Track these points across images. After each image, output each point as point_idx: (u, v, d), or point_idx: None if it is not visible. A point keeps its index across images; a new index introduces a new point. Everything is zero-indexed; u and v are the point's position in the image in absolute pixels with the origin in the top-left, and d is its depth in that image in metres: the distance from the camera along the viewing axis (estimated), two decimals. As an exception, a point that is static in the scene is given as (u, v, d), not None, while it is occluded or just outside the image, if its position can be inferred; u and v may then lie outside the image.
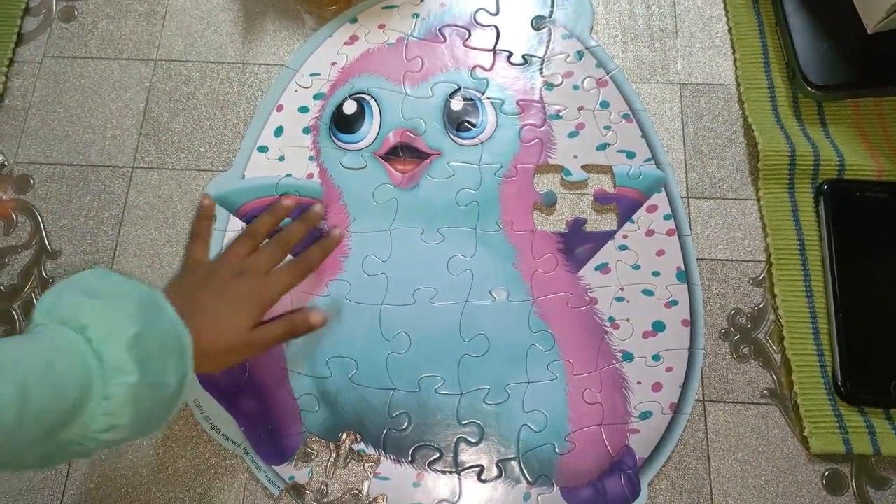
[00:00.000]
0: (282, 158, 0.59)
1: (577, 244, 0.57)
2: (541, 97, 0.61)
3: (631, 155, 0.59)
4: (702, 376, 0.53)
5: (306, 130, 0.60)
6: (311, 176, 0.59)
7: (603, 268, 0.56)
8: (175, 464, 0.52)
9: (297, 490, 0.51)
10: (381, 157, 0.59)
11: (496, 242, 0.57)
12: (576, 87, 0.61)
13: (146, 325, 0.39)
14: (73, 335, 0.37)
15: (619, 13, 0.64)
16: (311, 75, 0.62)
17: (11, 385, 0.33)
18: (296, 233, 0.53)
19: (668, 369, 0.53)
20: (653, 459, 0.51)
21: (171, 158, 0.61)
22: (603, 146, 0.59)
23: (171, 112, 0.62)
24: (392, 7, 0.64)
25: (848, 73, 0.58)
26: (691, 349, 0.54)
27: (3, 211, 0.59)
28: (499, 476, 0.51)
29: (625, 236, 0.57)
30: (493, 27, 0.63)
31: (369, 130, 0.60)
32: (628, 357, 0.54)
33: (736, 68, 0.62)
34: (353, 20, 0.64)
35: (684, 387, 0.53)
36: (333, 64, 0.62)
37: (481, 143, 0.59)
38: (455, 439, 0.52)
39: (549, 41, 0.63)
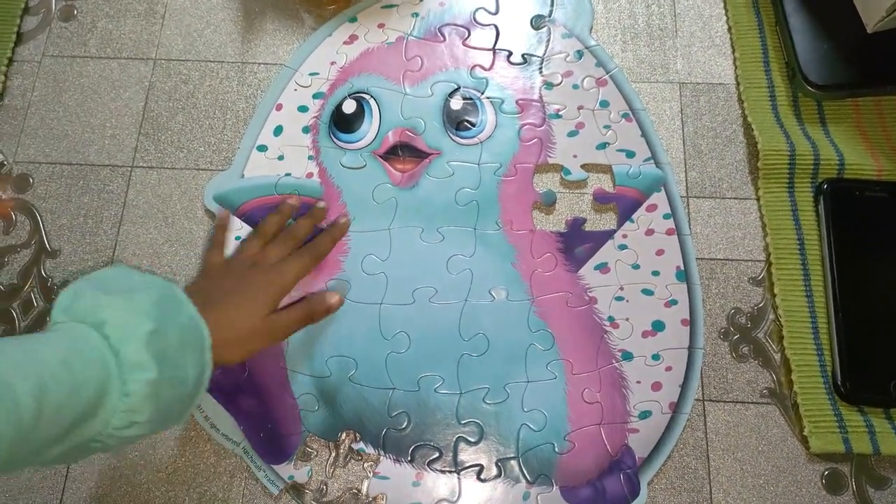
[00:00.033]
0: (281, 158, 0.59)
1: (577, 243, 0.57)
2: (540, 96, 0.61)
3: (630, 154, 0.59)
4: (701, 376, 0.53)
5: (306, 130, 0.60)
6: (310, 175, 0.59)
7: (602, 267, 0.56)
8: (174, 463, 0.52)
9: (296, 489, 0.51)
10: (380, 156, 0.59)
11: (495, 242, 0.57)
12: (575, 87, 0.61)
13: (164, 321, 0.39)
14: (91, 332, 0.37)
15: (619, 12, 0.64)
16: (311, 74, 0.62)
17: (29, 385, 0.33)
18: (303, 228, 0.54)
19: (668, 369, 0.53)
20: (652, 459, 0.51)
21: (171, 158, 0.61)
22: (602, 145, 0.59)
23: (170, 111, 0.62)
24: (391, 6, 0.64)
25: (848, 73, 0.58)
26: (691, 348, 0.54)
27: (3, 210, 0.59)
28: (498, 475, 0.51)
29: (624, 236, 0.57)
30: (492, 26, 0.63)
31: (369, 130, 0.60)
32: (628, 356, 0.54)
33: (735, 67, 0.62)
34: (353, 19, 0.64)
35: (684, 386, 0.53)
36: (333, 63, 0.62)
37: (481, 142, 0.59)
38: (454, 439, 0.52)
39: (548, 40, 0.62)
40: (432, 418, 0.53)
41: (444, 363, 0.53)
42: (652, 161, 0.58)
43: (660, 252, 0.56)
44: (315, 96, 0.61)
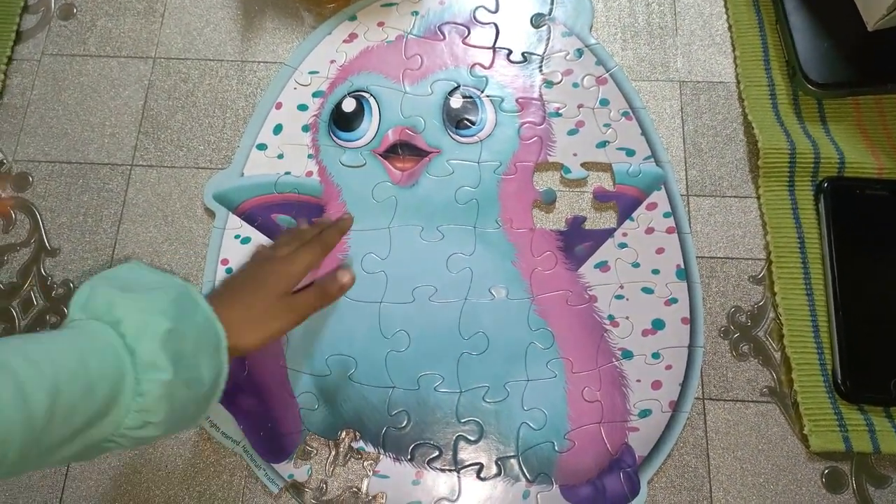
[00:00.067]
0: (281, 156, 0.59)
1: (577, 242, 0.56)
2: (540, 95, 0.60)
3: (630, 153, 0.59)
4: (701, 374, 0.53)
5: (305, 128, 0.60)
6: (310, 174, 0.59)
7: (602, 266, 0.56)
8: (174, 462, 0.52)
9: (296, 488, 0.51)
10: (380, 154, 0.59)
11: (495, 240, 0.56)
12: (575, 85, 0.61)
13: (181, 321, 0.39)
14: (107, 330, 0.37)
15: (619, 11, 0.64)
16: (310, 73, 0.62)
17: (44, 384, 0.33)
18: (309, 231, 0.54)
19: (668, 367, 0.53)
20: (652, 457, 0.51)
21: (170, 156, 0.61)
22: (602, 144, 0.59)
23: (169, 110, 0.62)
24: (391, 5, 0.64)
25: (848, 71, 0.58)
26: (691, 347, 0.54)
27: (2, 209, 0.59)
28: (498, 474, 0.51)
29: (624, 234, 0.57)
30: (492, 25, 0.63)
31: (368, 128, 0.60)
32: (628, 355, 0.53)
33: (736, 66, 0.62)
34: (352, 18, 0.63)
35: (684, 385, 0.53)
36: (332, 62, 0.62)
37: (480, 140, 0.59)
38: (454, 437, 0.52)
39: (548, 39, 0.62)
40: (432, 417, 0.53)
41: (444, 362, 0.53)
42: (652, 159, 0.58)
43: (660, 250, 0.56)
44: (315, 95, 0.61)
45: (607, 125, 0.59)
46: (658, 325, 0.54)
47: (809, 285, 0.54)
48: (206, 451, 0.53)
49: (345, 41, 0.63)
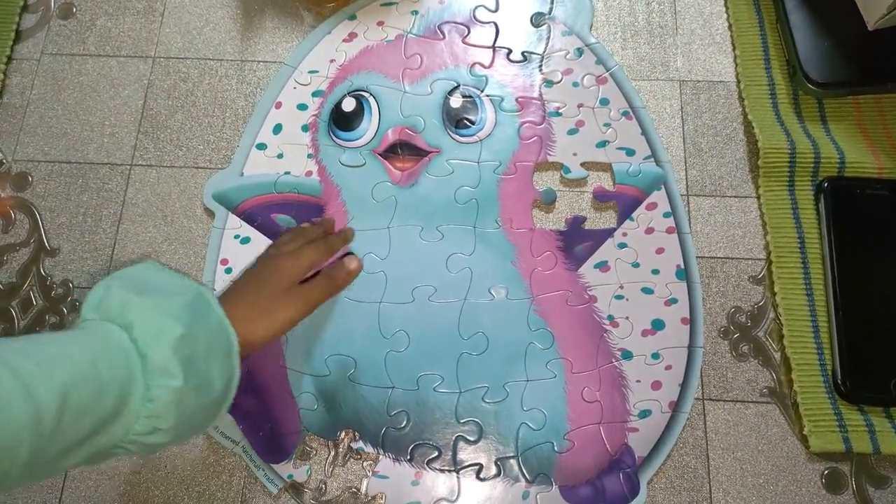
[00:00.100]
0: (280, 156, 0.59)
1: (577, 242, 0.56)
2: (540, 94, 0.60)
3: (630, 152, 0.58)
4: (701, 375, 0.53)
5: (305, 128, 0.60)
6: (309, 173, 0.59)
7: (602, 266, 0.56)
8: (173, 462, 0.52)
9: (295, 488, 0.51)
10: (379, 154, 0.59)
11: (495, 240, 0.56)
12: (575, 85, 0.61)
13: (194, 325, 0.38)
14: (120, 332, 0.37)
15: (619, 10, 0.64)
16: (310, 72, 0.62)
17: (53, 388, 0.33)
18: (313, 231, 0.54)
19: (668, 367, 0.53)
20: (652, 458, 0.51)
21: (170, 156, 0.61)
22: (602, 143, 0.59)
23: (169, 109, 0.62)
24: (391, 4, 0.64)
25: (849, 70, 0.58)
26: (691, 347, 0.54)
27: (2, 209, 0.59)
28: (497, 474, 0.51)
29: (624, 234, 0.56)
30: (492, 24, 0.63)
31: (368, 128, 0.59)
32: (627, 355, 0.53)
33: (736, 65, 0.62)
34: (352, 17, 0.63)
35: (683, 385, 0.53)
36: (332, 61, 0.62)
37: (480, 140, 0.59)
38: (454, 438, 0.52)
39: (548, 38, 0.62)
40: (431, 417, 0.52)
41: (444, 362, 0.53)
42: (652, 159, 0.58)
43: (660, 250, 0.56)
44: (314, 94, 0.61)
45: (607, 125, 0.59)
46: (658, 325, 0.54)
47: (809, 285, 0.54)
48: (206, 452, 0.53)
49: (344, 40, 0.63)
